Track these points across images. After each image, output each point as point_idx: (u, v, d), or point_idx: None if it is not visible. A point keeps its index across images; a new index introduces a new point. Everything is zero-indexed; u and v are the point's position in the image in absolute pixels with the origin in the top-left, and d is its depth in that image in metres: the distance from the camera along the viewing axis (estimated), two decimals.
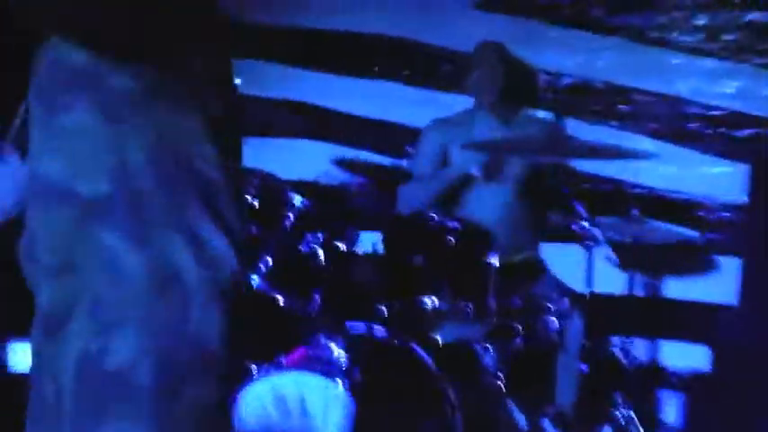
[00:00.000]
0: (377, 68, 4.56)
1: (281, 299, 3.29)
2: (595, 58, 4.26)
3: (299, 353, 3.27)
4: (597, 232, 3.00)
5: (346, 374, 3.07)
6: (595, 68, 4.26)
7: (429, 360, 3.35)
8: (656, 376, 4.18)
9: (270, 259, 3.28)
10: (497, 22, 4.34)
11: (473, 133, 3.86)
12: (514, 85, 3.85)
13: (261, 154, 4.66)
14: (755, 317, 3.81)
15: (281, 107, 4.69)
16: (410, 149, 4.18)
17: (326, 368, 3.08)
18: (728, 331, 3.96)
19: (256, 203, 3.37)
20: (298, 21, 4.64)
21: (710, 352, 4.11)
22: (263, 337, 3.40)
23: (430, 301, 3.15)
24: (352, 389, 2.98)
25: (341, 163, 4.09)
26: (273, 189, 3.40)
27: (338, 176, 4.41)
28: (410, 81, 4.51)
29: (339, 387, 2.95)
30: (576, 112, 4.26)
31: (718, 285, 4.12)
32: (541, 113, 3.71)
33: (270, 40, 4.68)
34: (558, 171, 3.13)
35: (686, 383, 4.12)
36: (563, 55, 4.29)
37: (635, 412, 3.61)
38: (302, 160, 4.62)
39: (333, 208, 3.99)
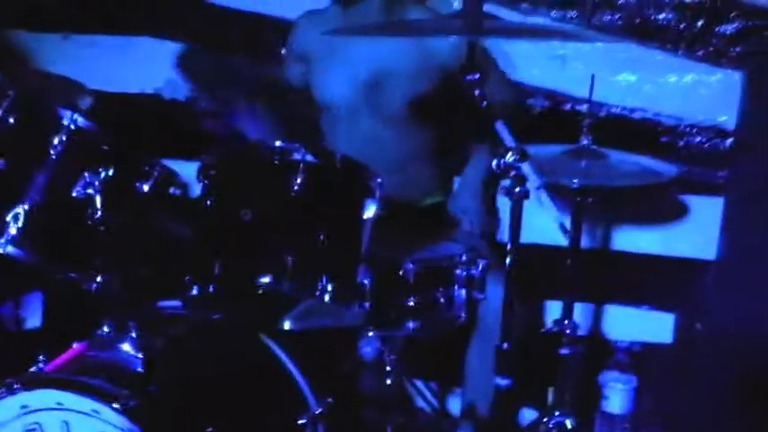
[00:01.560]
0: None
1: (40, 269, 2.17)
2: None
3: (68, 355, 2.18)
4: (527, 169, 1.92)
5: (141, 386, 2.04)
6: None
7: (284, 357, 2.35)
8: (603, 353, 3.18)
9: (22, 210, 2.14)
10: None
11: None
12: None
13: (86, 56, 3.61)
14: (738, 276, 2.81)
15: None
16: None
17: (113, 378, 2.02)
18: (703, 295, 2.98)
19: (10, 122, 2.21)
20: None
21: (678, 321, 3.15)
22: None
23: (264, 279, 2.05)
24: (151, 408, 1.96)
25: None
26: (34, 101, 2.23)
27: (184, 88, 3.34)
28: None
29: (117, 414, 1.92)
30: None
31: (692, 235, 3.13)
32: None
33: None
34: (466, 73, 2.00)
35: (640, 361, 3.17)
36: None
37: (572, 399, 2.65)
38: (142, 65, 3.46)
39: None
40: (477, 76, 1.97)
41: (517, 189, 1.92)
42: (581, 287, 2.89)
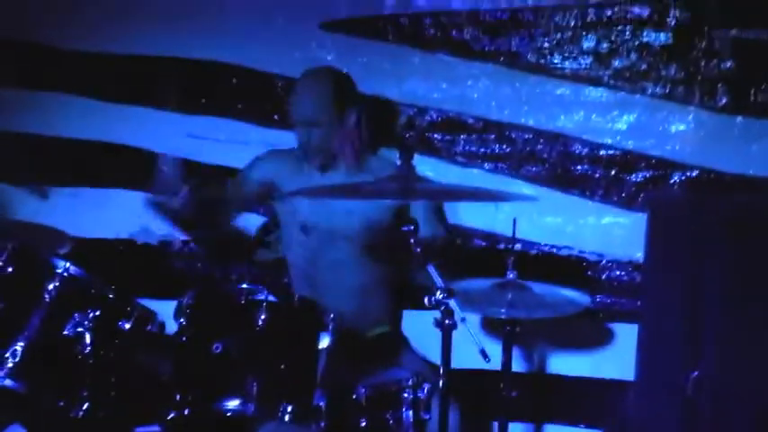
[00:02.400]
0: (204, 101, 3.77)
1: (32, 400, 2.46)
2: (465, 88, 3.55)
3: None
4: (454, 305, 2.26)
5: None
6: (466, 100, 3.55)
7: None
8: None
9: (20, 347, 2.44)
10: (345, 45, 3.60)
11: (302, 175, 3.14)
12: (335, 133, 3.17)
13: (71, 206, 3.93)
14: (655, 395, 3.13)
15: (92, 150, 3.86)
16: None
17: None
18: (625, 413, 3.28)
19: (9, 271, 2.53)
20: (112, 48, 3.82)
21: None
22: None
23: (233, 404, 2.35)
24: None
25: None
26: (30, 252, 2.57)
27: (158, 233, 3.66)
28: (243, 116, 3.73)
29: None
30: (444, 152, 3.56)
31: (613, 359, 3.48)
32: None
33: (86, 70, 3.86)
34: (403, 225, 2.38)
35: None
36: (428, 84, 3.57)
37: None
38: (117, 214, 3.81)
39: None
40: (412, 227, 2.34)
41: (446, 321, 2.26)
42: (519, 408, 3.20)
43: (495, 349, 3.00)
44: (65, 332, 2.47)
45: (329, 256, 3.20)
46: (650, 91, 3.41)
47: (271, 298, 2.45)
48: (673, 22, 3.38)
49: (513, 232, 2.93)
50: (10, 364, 2.46)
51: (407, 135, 3.49)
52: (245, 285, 2.49)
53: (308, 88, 3.21)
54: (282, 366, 2.40)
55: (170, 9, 3.72)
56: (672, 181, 3.39)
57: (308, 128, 3.17)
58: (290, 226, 3.30)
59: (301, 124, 3.19)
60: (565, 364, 3.54)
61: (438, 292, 2.28)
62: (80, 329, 2.45)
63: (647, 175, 3.42)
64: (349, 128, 3.20)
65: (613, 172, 3.45)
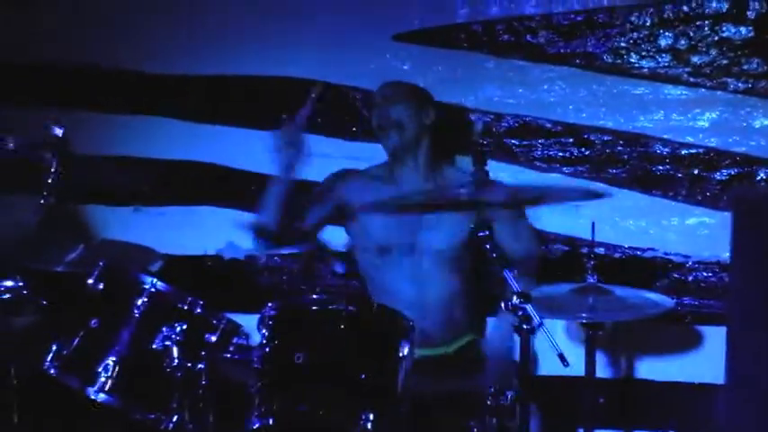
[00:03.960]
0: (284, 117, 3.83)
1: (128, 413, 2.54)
2: (542, 92, 3.54)
3: None
4: (531, 310, 2.25)
5: None
6: (542, 105, 3.53)
7: None
8: None
9: (111, 362, 2.53)
10: (419, 55, 3.62)
11: (381, 191, 3.16)
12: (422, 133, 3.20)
13: (157, 223, 4.04)
14: (746, 399, 3.04)
15: (182, 169, 3.97)
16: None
17: None
18: (716, 417, 3.21)
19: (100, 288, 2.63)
20: (195, 70, 3.92)
21: None
22: None
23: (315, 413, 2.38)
24: None
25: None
26: (119, 270, 2.66)
27: (243, 249, 3.73)
28: (323, 130, 3.78)
29: None
30: (522, 158, 3.55)
31: (702, 362, 3.42)
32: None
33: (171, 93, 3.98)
34: (478, 230, 2.38)
35: None
36: (503, 90, 3.57)
37: None
38: (204, 231, 3.89)
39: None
40: (487, 232, 2.35)
41: (524, 327, 2.26)
42: (605, 414, 3.16)
43: (579, 355, 2.99)
44: (153, 346, 2.55)
45: (409, 272, 3.20)
46: (732, 86, 3.34)
47: (350, 308, 2.48)
48: (753, 15, 3.31)
49: (593, 236, 2.90)
50: (103, 379, 2.55)
51: (484, 142, 3.48)
52: (324, 296, 2.53)
53: (389, 93, 3.28)
54: (363, 376, 2.43)
55: (247, 29, 3.81)
56: (757, 178, 3.32)
57: (387, 105, 3.22)
58: (364, 249, 3.32)
59: (387, 129, 3.23)
60: (653, 368, 3.48)
61: (515, 297, 2.28)
62: (168, 343, 2.53)
63: (732, 173, 3.36)
64: (427, 123, 3.24)
65: (696, 171, 3.39)
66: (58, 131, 3.11)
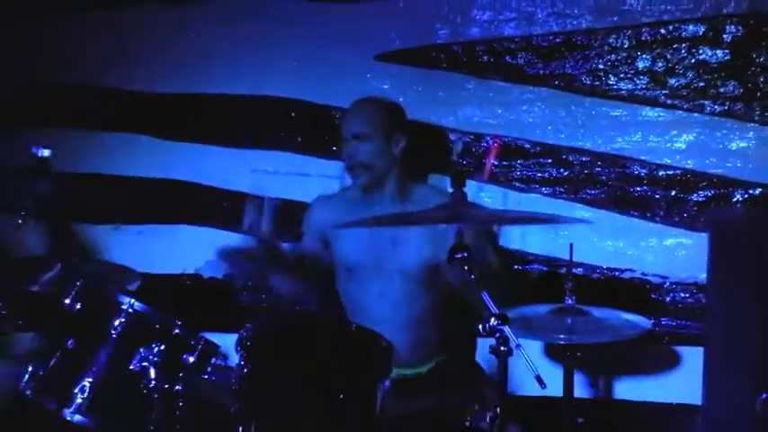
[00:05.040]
0: (264, 136, 3.84)
1: None
2: (521, 113, 3.56)
3: None
4: (508, 332, 2.25)
5: None
6: (521, 125, 3.55)
7: None
8: None
9: (88, 383, 2.52)
10: (400, 75, 3.64)
11: (354, 213, 3.15)
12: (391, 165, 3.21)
13: (135, 241, 4.03)
14: (724, 419, 3.07)
15: (157, 187, 3.96)
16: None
17: None
18: None
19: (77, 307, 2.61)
20: (174, 88, 3.93)
21: None
22: None
23: None
24: None
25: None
26: (97, 290, 2.65)
27: (221, 268, 3.72)
28: (302, 149, 3.79)
29: None
30: (501, 178, 3.56)
31: (680, 383, 3.42)
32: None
33: (149, 111, 3.98)
34: (456, 252, 2.38)
35: None
36: (483, 111, 3.59)
37: None
38: (183, 249, 3.89)
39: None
40: (465, 254, 2.35)
41: (501, 348, 2.26)
42: None
43: (557, 375, 3.00)
44: (131, 367, 2.54)
45: (379, 290, 3.20)
46: (708, 109, 3.37)
47: (329, 329, 2.47)
48: (729, 38, 3.34)
49: (571, 256, 2.92)
50: (79, 400, 2.53)
51: (463, 162, 3.50)
52: (302, 317, 2.53)
53: (358, 106, 3.30)
54: (342, 396, 2.42)
55: (226, 48, 3.82)
56: (734, 199, 3.35)
57: (355, 142, 3.21)
58: (337, 268, 3.32)
59: (349, 139, 3.23)
60: (631, 389, 3.48)
61: (492, 319, 2.28)
62: (145, 364, 2.52)
63: (709, 194, 3.37)
64: (396, 153, 3.23)
65: (674, 192, 3.41)
66: (45, 153, 3.12)
